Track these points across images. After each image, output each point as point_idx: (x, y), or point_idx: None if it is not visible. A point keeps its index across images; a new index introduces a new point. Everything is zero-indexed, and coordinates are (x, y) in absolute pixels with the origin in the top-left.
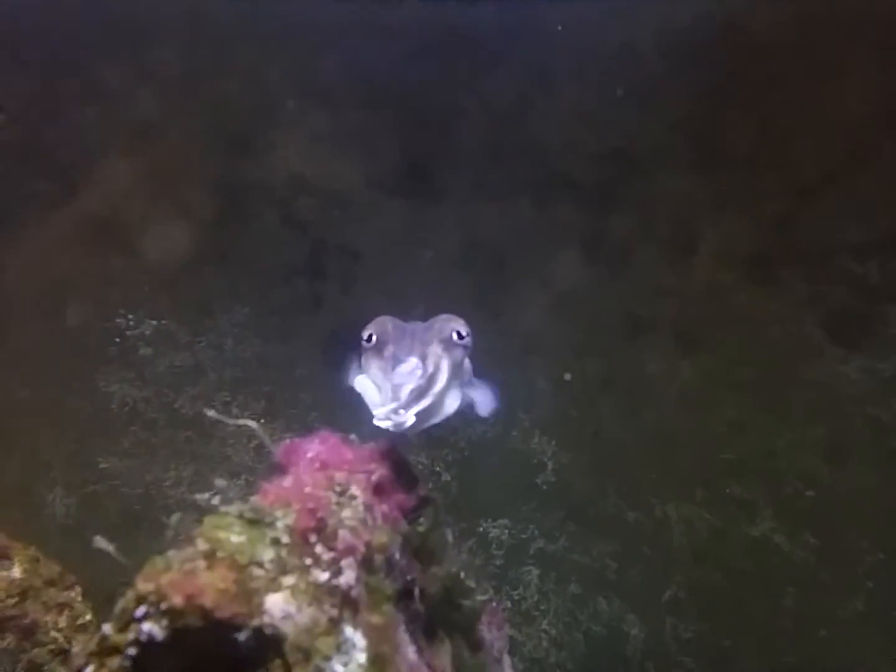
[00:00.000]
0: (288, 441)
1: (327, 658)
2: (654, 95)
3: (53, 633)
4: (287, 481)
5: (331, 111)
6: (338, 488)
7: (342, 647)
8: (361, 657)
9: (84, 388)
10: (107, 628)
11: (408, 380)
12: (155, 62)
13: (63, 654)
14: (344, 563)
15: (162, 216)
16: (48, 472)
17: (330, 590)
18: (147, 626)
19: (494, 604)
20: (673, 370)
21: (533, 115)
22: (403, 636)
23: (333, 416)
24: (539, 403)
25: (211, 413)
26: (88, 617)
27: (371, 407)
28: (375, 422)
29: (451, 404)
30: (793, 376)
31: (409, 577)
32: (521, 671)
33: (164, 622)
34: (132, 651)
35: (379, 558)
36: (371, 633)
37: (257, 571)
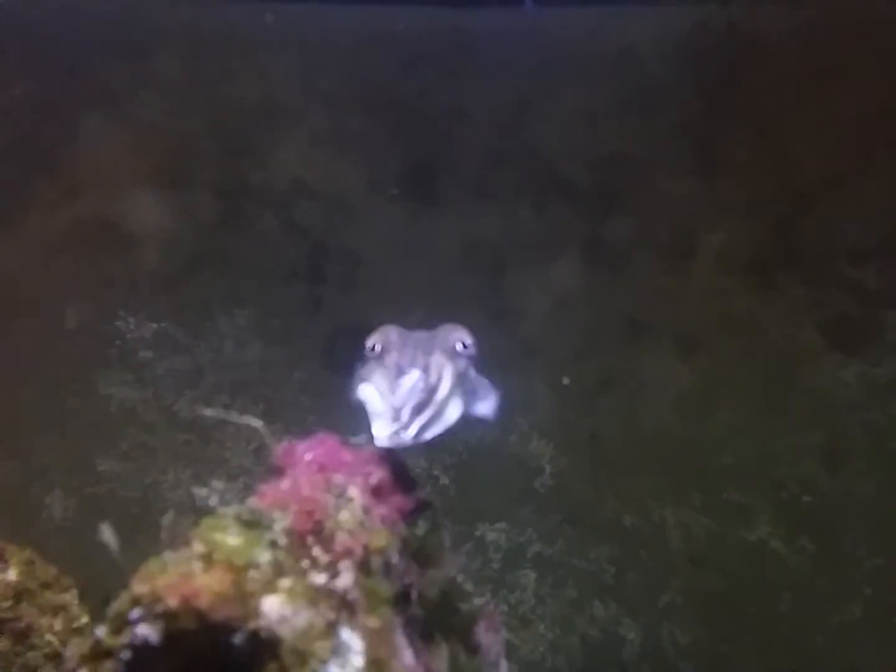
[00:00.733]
0: (286, 443)
1: (324, 661)
2: (654, 100)
3: (48, 637)
4: (284, 483)
5: (332, 115)
6: (335, 491)
7: (339, 651)
8: (358, 660)
9: (83, 390)
10: (100, 631)
11: (409, 397)
12: (156, 65)
13: (58, 657)
14: (341, 565)
15: (162, 219)
16: (46, 475)
17: (327, 592)
18: (141, 629)
19: (491, 607)
20: (671, 374)
21: (533, 120)
22: (401, 639)
23: (332, 419)
24: (537, 407)
25: (208, 412)
26: (84, 620)
27: (373, 426)
28: (377, 442)
29: (453, 414)
30: (791, 381)
31: (406, 581)
32: None
33: (159, 625)
34: (126, 654)
35: (377, 561)
36: (368, 636)
37: (254, 574)
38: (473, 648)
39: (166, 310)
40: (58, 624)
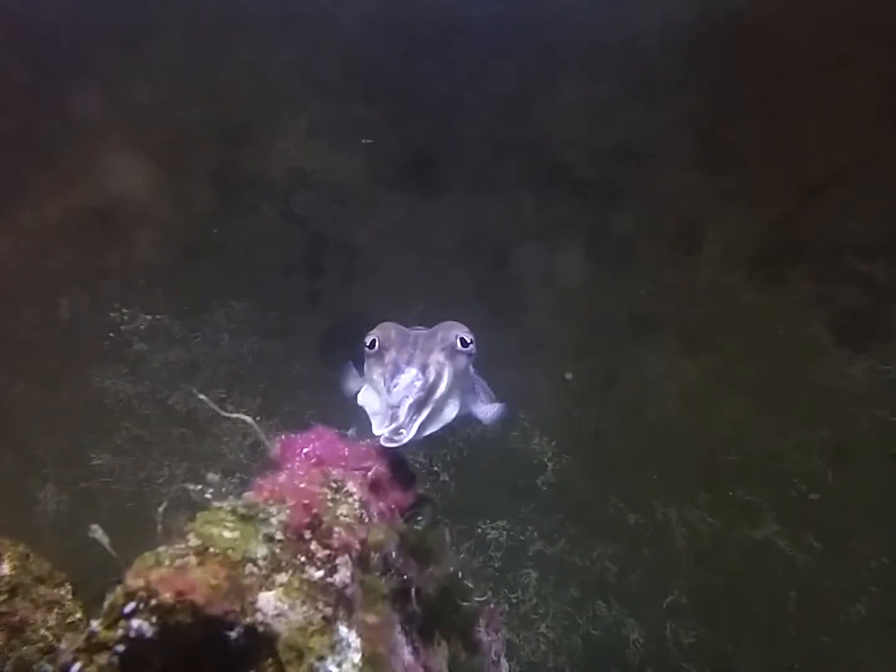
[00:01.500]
0: (283, 437)
1: (321, 658)
2: (659, 91)
3: (43, 631)
4: (281, 477)
5: (331, 104)
6: (333, 485)
7: (336, 647)
8: (356, 657)
9: (77, 383)
10: (95, 625)
11: (406, 394)
12: (154, 53)
13: (52, 652)
14: (339, 560)
15: (158, 209)
16: (40, 469)
17: (324, 588)
18: (136, 623)
19: (492, 605)
20: (676, 370)
21: (536, 110)
22: (399, 637)
23: (330, 413)
24: (539, 403)
25: (203, 397)
26: (79, 615)
27: (374, 426)
28: (381, 442)
29: (451, 412)
30: (797, 377)
31: (405, 577)
32: None
33: (154, 619)
34: (120, 648)
35: (375, 557)
36: (366, 632)
37: (250, 568)
38: (474, 647)
39: (161, 302)
40: (52, 619)
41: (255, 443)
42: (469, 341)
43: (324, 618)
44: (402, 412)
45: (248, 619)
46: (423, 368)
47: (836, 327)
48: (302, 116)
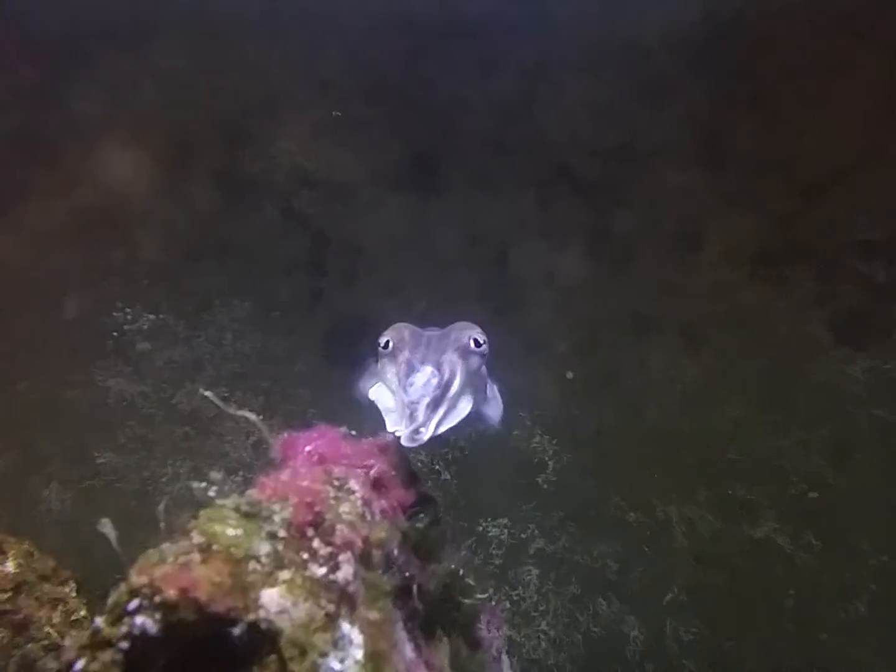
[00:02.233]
0: (286, 435)
1: (324, 654)
2: (661, 91)
3: (47, 629)
4: (284, 475)
5: (333, 104)
6: (336, 483)
7: (339, 643)
8: (358, 653)
9: (81, 382)
10: (99, 621)
11: (423, 392)
12: (156, 52)
13: (57, 649)
14: (341, 558)
15: (161, 208)
16: (44, 467)
17: (327, 585)
18: (140, 620)
19: (493, 603)
20: (677, 369)
21: (538, 110)
22: (401, 633)
23: (333, 412)
24: (541, 401)
25: (208, 394)
26: (83, 613)
27: (388, 424)
28: (402, 442)
29: (464, 410)
30: (798, 376)
31: (407, 574)
32: None
33: (158, 615)
34: (124, 644)
35: (377, 554)
36: (368, 629)
37: (253, 565)
38: (475, 643)
39: (165, 301)
40: (56, 616)
41: (258, 441)
42: (482, 342)
43: (326, 614)
44: (421, 411)
45: (252, 616)
46: (438, 367)
47: (837, 326)
48: (304, 116)
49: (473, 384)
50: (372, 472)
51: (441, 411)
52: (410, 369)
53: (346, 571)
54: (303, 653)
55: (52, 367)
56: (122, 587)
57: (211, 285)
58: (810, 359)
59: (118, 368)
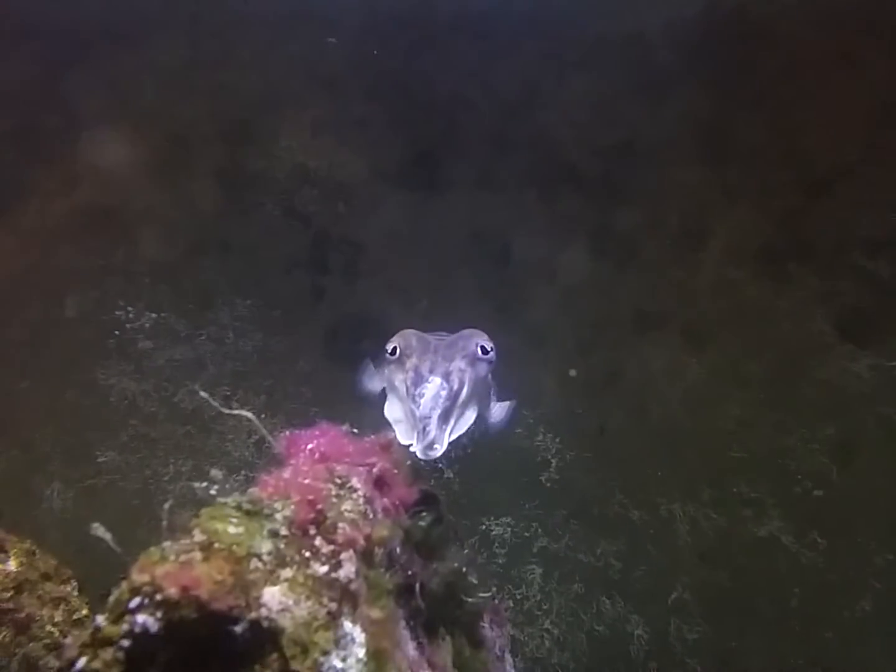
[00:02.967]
0: (287, 433)
1: (326, 652)
2: (663, 86)
3: (49, 628)
4: (286, 473)
5: (334, 101)
6: (338, 480)
7: (341, 642)
8: (360, 652)
9: (82, 380)
10: (100, 619)
11: (434, 405)
12: (157, 50)
13: (59, 648)
14: (343, 556)
15: (162, 206)
16: (46, 466)
17: (329, 583)
18: (141, 618)
19: (496, 601)
20: (680, 367)
21: (540, 106)
22: (403, 632)
23: (335, 410)
24: (543, 400)
25: (204, 394)
26: (84, 612)
27: (400, 436)
28: (418, 456)
29: (471, 417)
30: (802, 374)
31: (409, 573)
32: (522, 671)
33: (159, 614)
34: (125, 643)
35: (379, 552)
36: (371, 627)
37: (255, 563)
38: (478, 642)
39: (166, 299)
40: (58, 615)
41: (259, 440)
42: (489, 349)
43: (328, 613)
44: (433, 425)
45: (253, 614)
46: (447, 377)
47: (841, 323)
48: (306, 114)
49: (481, 391)
50: (374, 470)
51: (451, 422)
52: (419, 378)
53: (348, 569)
54: (305, 651)
55: (53, 366)
56: (124, 585)
57: (212, 284)
58: (814, 356)
59: (120, 367)
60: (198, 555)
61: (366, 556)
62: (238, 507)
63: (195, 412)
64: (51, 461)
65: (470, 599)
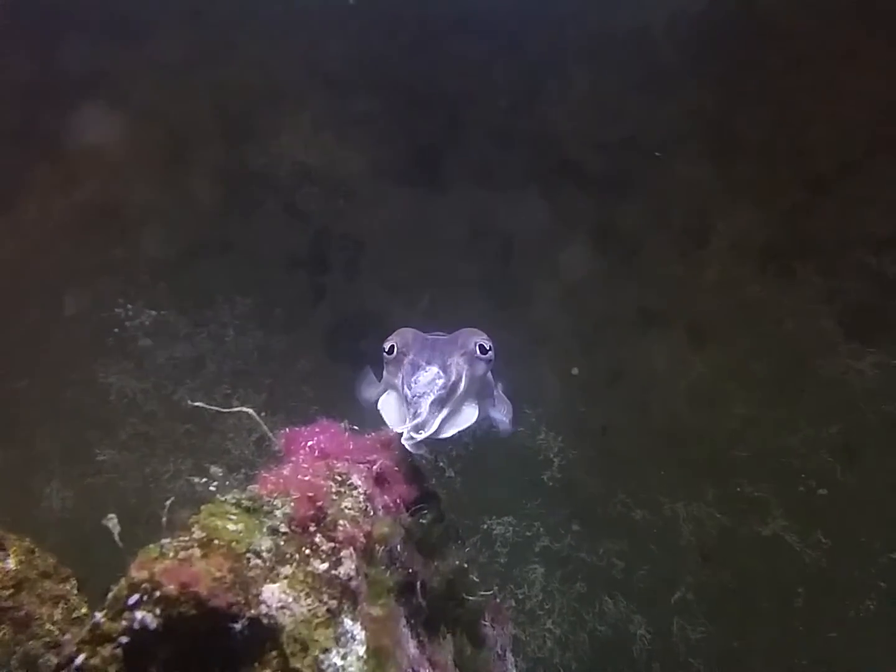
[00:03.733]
0: (287, 429)
1: (326, 650)
2: (667, 82)
3: (48, 626)
4: (286, 469)
5: (335, 98)
6: (338, 478)
7: (341, 639)
8: (361, 650)
9: (82, 379)
10: (99, 616)
11: (427, 390)
12: (156, 47)
13: (58, 646)
14: (343, 553)
15: (162, 204)
16: (45, 464)
17: (329, 580)
18: (140, 614)
19: (498, 600)
20: (684, 365)
21: (542, 103)
22: (404, 630)
23: (335, 409)
24: (546, 398)
25: (198, 404)
26: (84, 610)
27: (391, 424)
28: (403, 440)
29: (470, 416)
30: (806, 372)
31: (410, 570)
32: (524, 671)
33: (158, 610)
34: (124, 639)
35: (380, 550)
36: (371, 625)
37: (254, 560)
38: (479, 641)
39: (166, 297)
40: (57, 613)
41: (260, 438)
42: (488, 348)
43: (328, 610)
44: (424, 408)
45: (253, 612)
46: (444, 368)
47: (845, 321)
48: (306, 111)
49: (480, 390)
50: (374, 468)
51: (445, 412)
52: (415, 368)
53: (348, 567)
54: (304, 648)
55: (52, 364)
56: (123, 582)
57: (212, 281)
58: (819, 354)
59: (119, 365)
60: (197, 551)
61: (366, 554)
62: (237, 504)
63: (195, 410)
64: (50, 459)
65: (471, 598)
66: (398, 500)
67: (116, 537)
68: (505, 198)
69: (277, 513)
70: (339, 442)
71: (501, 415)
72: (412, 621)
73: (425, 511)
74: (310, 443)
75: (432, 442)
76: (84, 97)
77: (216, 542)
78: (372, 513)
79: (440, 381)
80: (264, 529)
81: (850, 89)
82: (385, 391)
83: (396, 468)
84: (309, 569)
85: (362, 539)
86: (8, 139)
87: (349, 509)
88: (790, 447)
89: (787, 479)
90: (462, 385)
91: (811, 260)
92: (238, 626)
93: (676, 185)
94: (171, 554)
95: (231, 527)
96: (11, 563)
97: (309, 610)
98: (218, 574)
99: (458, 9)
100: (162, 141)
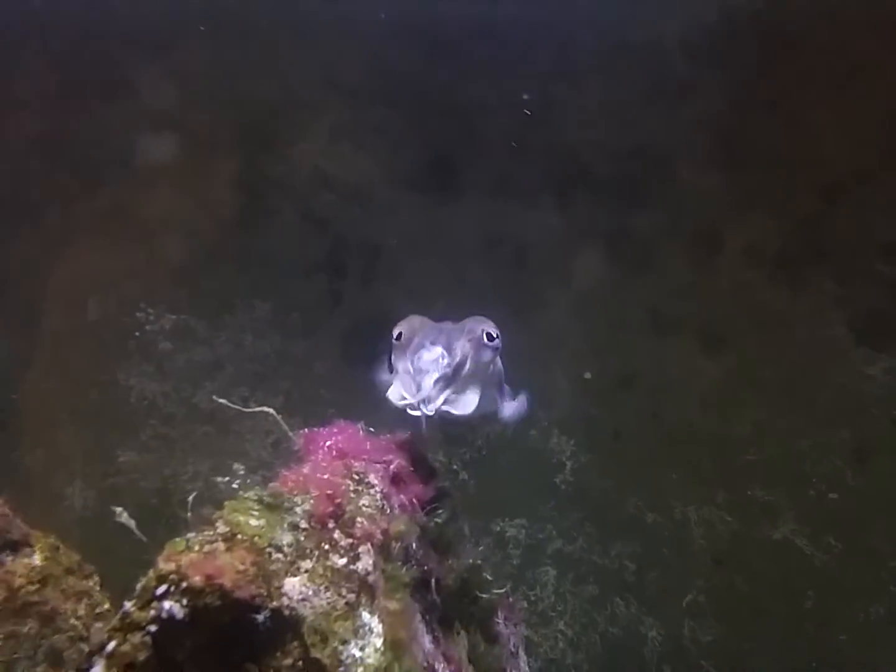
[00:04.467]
0: (306, 430)
1: (345, 641)
2: (680, 91)
3: (73, 621)
4: (305, 468)
5: (352, 107)
6: (356, 476)
7: (360, 632)
8: (378, 642)
9: (104, 381)
10: (128, 605)
11: (431, 367)
12: (177, 58)
13: (82, 640)
14: (361, 549)
15: (183, 211)
16: (67, 465)
17: (347, 575)
18: (167, 604)
19: (511, 599)
20: (696, 370)
21: (556, 112)
22: (419, 625)
23: (352, 412)
24: (558, 402)
25: (222, 401)
26: (107, 606)
27: (395, 400)
28: (408, 412)
29: (472, 400)
30: (818, 378)
31: (425, 567)
32: (536, 670)
33: (184, 601)
34: (153, 628)
35: (396, 546)
36: (388, 618)
37: (276, 555)
38: (492, 637)
39: (186, 302)
40: (81, 609)
41: (278, 440)
42: (495, 336)
43: (347, 603)
44: (428, 383)
45: (275, 603)
46: (449, 350)
47: (857, 327)
48: (324, 120)
49: (485, 377)
50: (391, 467)
51: (448, 391)
52: (420, 347)
53: (365, 562)
54: (324, 640)
55: (76, 367)
56: (150, 573)
57: (232, 287)
58: (830, 360)
59: (140, 368)
60: (221, 545)
61: (383, 550)
62: (259, 501)
63: (214, 412)
64: (72, 460)
65: (484, 595)
66: (414, 500)
67: (134, 528)
68: (519, 205)
69: (298, 509)
70: (356, 442)
71: (509, 407)
72: (427, 617)
73: (440, 510)
74: (328, 443)
75: (439, 419)
76: (105, 106)
77: (239, 536)
78: (388, 511)
79: (444, 361)
80: (285, 525)
81: (863, 99)
82: (394, 376)
83: (412, 468)
84: (328, 563)
85: (379, 536)
86: (31, 147)
87: (367, 507)
88: (801, 452)
89: (798, 484)
90: (466, 367)
91: (823, 267)
92: (261, 617)
93: (689, 193)
94: (197, 547)
95: (253, 522)
96: (37, 559)
97: (328, 603)
98: (241, 567)
99: (473, 20)
100: (182, 149)
